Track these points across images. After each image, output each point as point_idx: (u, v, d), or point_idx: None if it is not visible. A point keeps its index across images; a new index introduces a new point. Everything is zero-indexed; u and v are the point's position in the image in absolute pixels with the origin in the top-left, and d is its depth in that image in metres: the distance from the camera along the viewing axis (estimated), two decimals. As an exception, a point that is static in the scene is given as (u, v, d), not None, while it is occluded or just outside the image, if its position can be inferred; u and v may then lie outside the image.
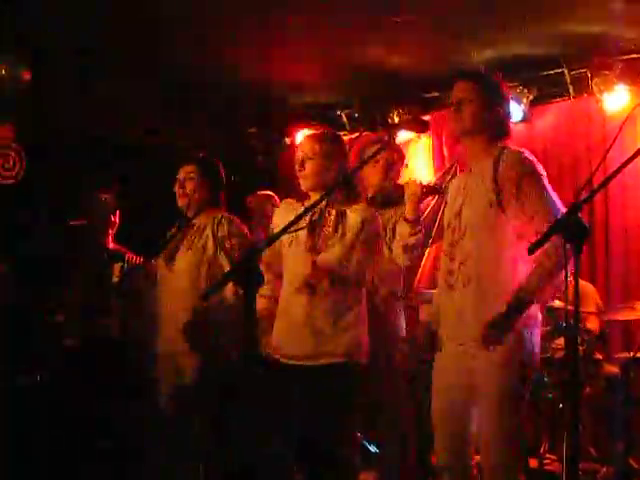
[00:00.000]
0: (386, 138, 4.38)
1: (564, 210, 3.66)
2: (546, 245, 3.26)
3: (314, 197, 4.28)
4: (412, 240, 4.70)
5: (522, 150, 3.93)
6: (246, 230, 4.96)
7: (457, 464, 3.90)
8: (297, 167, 4.32)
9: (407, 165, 5.53)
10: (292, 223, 3.65)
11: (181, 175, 4.96)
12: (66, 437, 5.75)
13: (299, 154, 4.35)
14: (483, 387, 3.78)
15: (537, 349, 3.87)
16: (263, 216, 6.42)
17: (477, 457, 3.99)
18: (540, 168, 3.88)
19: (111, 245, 6.17)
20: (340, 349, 4.13)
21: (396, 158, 5.25)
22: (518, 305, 3.68)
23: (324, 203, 4.23)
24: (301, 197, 4.40)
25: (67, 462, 5.64)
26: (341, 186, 4.21)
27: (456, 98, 3.94)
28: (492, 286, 3.79)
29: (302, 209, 4.15)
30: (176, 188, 4.96)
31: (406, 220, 4.68)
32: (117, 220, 6.24)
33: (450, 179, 4.35)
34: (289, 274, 4.31)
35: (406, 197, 4.69)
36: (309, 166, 4.28)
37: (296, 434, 4.23)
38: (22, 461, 5.62)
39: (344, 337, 4.14)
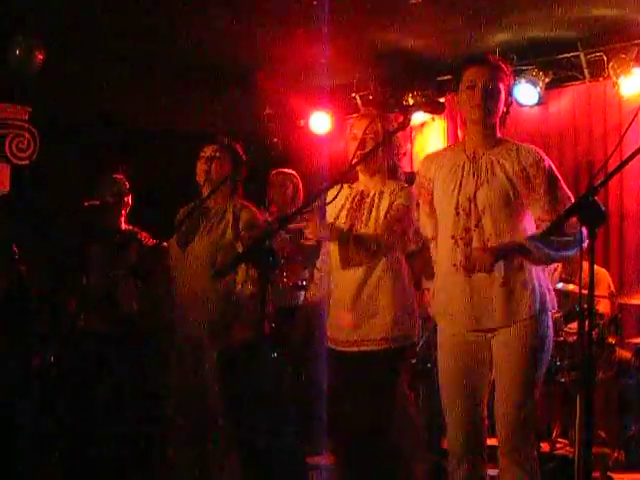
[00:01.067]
0: (400, 119, 4.32)
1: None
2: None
3: (363, 179, 4.40)
4: None
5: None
6: (262, 220, 4.95)
7: (469, 448, 3.89)
8: (356, 146, 4.32)
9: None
10: (301, 209, 3.70)
11: (207, 153, 4.94)
12: (79, 418, 5.79)
13: (358, 133, 4.38)
14: (498, 370, 3.79)
15: (551, 333, 3.87)
16: (281, 193, 6.43)
17: (490, 441, 3.99)
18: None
19: (124, 226, 6.16)
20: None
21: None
22: (517, 248, 3.73)
23: (365, 183, 4.38)
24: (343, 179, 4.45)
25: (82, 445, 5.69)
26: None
27: (483, 85, 3.85)
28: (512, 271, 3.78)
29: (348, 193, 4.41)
30: (198, 164, 4.95)
31: None
32: (130, 201, 6.22)
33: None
34: (333, 258, 4.43)
35: None
36: (370, 145, 4.32)
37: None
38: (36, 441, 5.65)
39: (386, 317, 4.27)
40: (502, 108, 3.91)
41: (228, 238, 4.79)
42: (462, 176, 3.90)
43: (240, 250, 4.75)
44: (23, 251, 6.39)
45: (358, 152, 4.26)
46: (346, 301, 4.34)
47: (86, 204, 6.03)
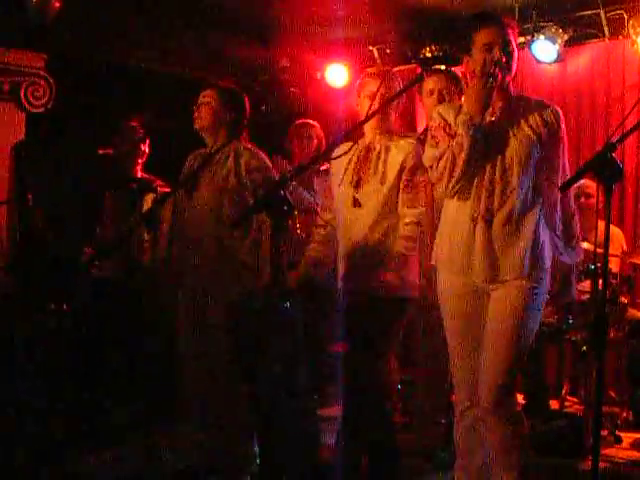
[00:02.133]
0: (418, 71, 4.35)
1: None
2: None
3: (370, 134, 4.48)
4: None
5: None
6: (268, 162, 4.89)
7: (473, 396, 3.93)
8: (367, 104, 4.36)
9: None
10: (314, 161, 3.73)
11: (199, 99, 4.91)
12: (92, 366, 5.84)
13: (368, 92, 4.44)
14: (496, 312, 3.84)
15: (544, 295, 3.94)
16: (304, 145, 6.41)
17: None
18: None
19: (140, 174, 6.15)
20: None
21: (452, 89, 5.07)
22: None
23: (371, 138, 4.46)
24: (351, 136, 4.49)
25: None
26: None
27: (502, 42, 3.83)
28: (530, 226, 3.81)
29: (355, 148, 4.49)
30: (194, 111, 4.92)
31: None
32: (147, 149, 6.21)
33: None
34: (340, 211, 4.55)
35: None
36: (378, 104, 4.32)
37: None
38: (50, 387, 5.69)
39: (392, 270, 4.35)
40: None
41: (231, 183, 4.75)
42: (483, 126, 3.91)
43: (247, 194, 4.74)
44: (38, 199, 6.42)
45: (370, 111, 4.22)
46: (357, 243, 4.41)
47: (100, 152, 6.03)
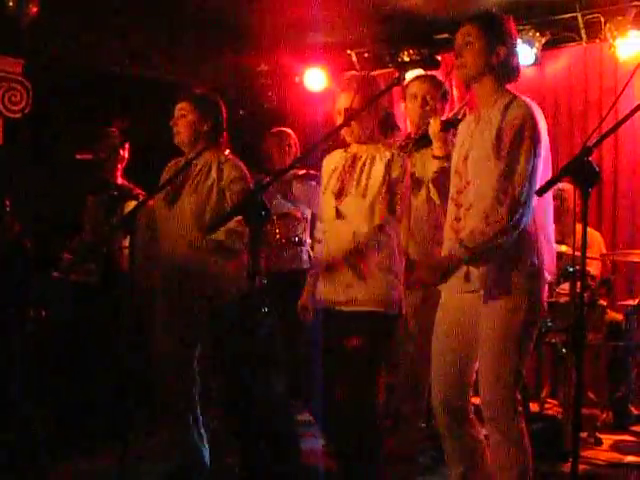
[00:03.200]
0: (396, 76, 4.31)
1: (532, 189, 3.63)
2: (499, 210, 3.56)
3: (353, 144, 4.44)
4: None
5: (531, 104, 3.79)
6: (247, 173, 4.81)
7: (454, 404, 3.92)
8: (340, 119, 4.35)
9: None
10: (292, 165, 3.74)
11: (175, 112, 4.84)
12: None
13: (338, 108, 4.39)
14: (486, 328, 3.78)
15: (544, 297, 3.87)
16: (282, 154, 6.39)
17: (475, 400, 4.01)
18: (540, 130, 3.73)
19: (120, 181, 6.12)
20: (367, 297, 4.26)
21: (435, 94, 5.06)
22: (457, 256, 3.73)
23: (357, 148, 4.39)
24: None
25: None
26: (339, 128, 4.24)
27: (457, 44, 3.87)
28: None
29: (345, 157, 4.43)
30: (172, 126, 4.86)
31: (435, 157, 4.58)
32: (126, 154, 6.17)
33: (461, 119, 4.26)
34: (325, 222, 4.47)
35: (431, 135, 4.60)
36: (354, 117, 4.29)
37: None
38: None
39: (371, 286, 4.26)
40: (496, 61, 3.83)
41: (214, 196, 4.71)
42: (465, 136, 3.91)
43: (228, 205, 4.69)
44: (16, 205, 6.37)
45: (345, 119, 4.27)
46: (337, 256, 4.33)
47: (78, 157, 6.00)
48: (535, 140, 3.69)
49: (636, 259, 6.41)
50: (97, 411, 5.66)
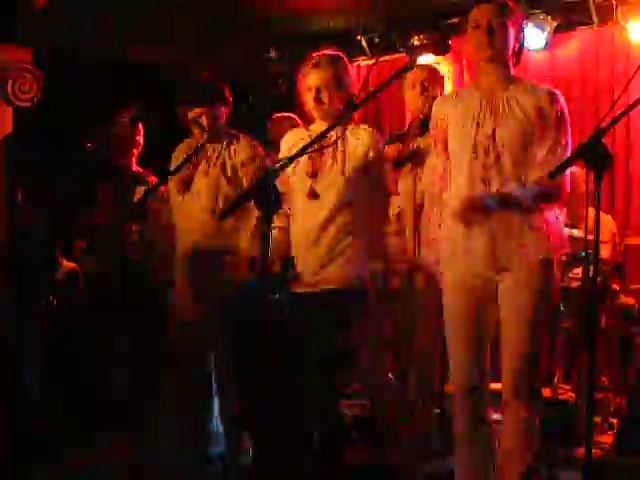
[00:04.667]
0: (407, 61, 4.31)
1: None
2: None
3: (320, 124, 4.34)
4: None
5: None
6: (261, 150, 4.81)
7: (474, 388, 3.91)
8: (313, 95, 4.30)
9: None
10: (301, 152, 3.68)
11: (190, 115, 4.76)
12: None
13: (313, 83, 4.32)
14: (512, 308, 3.80)
15: (557, 279, 3.91)
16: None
17: (493, 385, 4.00)
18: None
19: (135, 167, 6.09)
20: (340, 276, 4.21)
21: (433, 81, 5.13)
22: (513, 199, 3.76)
23: (324, 126, 4.23)
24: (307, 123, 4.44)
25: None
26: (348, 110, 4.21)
27: (486, 21, 3.83)
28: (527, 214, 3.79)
29: (308, 135, 4.33)
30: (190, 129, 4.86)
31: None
32: (141, 140, 6.13)
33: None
34: (295, 202, 4.37)
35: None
36: (325, 95, 4.27)
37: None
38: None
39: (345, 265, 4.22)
40: (512, 45, 3.86)
41: (228, 175, 4.70)
42: (479, 115, 3.88)
43: (243, 185, 4.69)
44: (27, 193, 6.39)
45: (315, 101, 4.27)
46: (310, 237, 4.29)
47: (88, 145, 5.98)
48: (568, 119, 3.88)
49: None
50: (109, 400, 5.67)
